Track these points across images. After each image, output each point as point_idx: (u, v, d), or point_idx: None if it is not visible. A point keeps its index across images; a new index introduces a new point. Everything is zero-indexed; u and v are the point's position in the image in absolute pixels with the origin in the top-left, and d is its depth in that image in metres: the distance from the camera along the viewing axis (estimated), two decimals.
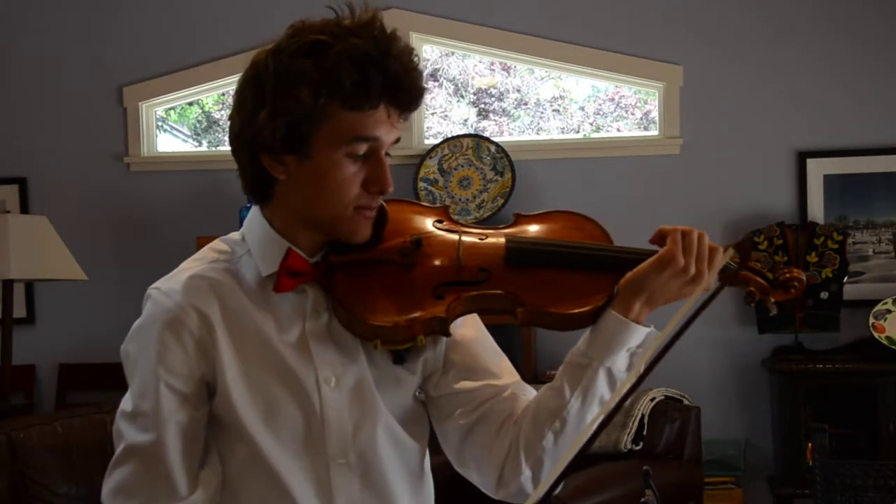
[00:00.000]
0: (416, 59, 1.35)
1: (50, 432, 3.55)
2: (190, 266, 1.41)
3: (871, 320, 4.33)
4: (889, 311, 4.35)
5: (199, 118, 5.40)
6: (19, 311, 4.77)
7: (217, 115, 5.36)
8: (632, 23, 4.74)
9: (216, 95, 5.27)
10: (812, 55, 4.63)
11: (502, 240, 1.40)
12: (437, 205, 1.52)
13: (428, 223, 1.45)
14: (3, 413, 3.88)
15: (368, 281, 1.36)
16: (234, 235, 1.45)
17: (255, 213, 1.43)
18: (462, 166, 4.65)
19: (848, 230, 4.49)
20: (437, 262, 1.38)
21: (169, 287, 1.39)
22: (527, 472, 1.38)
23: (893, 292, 4.42)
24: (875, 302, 4.37)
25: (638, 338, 1.34)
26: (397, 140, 1.37)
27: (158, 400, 1.33)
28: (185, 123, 5.43)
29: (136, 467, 1.33)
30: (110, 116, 5.01)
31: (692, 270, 1.33)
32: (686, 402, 4.20)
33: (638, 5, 4.75)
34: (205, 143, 5.33)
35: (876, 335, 4.30)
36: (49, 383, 4.98)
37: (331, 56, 1.28)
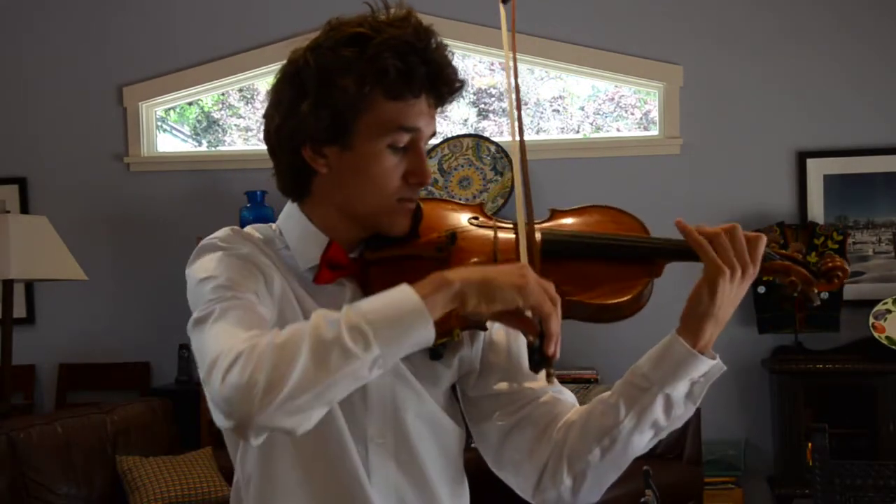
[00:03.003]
0: (450, 54, 1.35)
1: (50, 432, 3.56)
2: (243, 231, 1.39)
3: (871, 320, 4.33)
4: (889, 311, 4.36)
5: (199, 118, 5.40)
6: (19, 311, 4.78)
7: (217, 115, 5.36)
8: (632, 23, 4.74)
9: (216, 95, 5.28)
10: (812, 55, 4.64)
11: (538, 233, 1.39)
12: (473, 202, 1.51)
13: (463, 219, 1.44)
14: (3, 413, 3.88)
15: (404, 276, 1.31)
16: (273, 227, 1.43)
17: (292, 209, 1.42)
18: (462, 166, 4.65)
19: (848, 230, 4.50)
20: (472, 256, 1.37)
21: (229, 236, 1.35)
22: (567, 482, 1.37)
23: (893, 292, 4.42)
24: (875, 302, 4.37)
25: (703, 369, 1.32)
26: (434, 134, 1.37)
27: (244, 286, 1.26)
28: (186, 123, 5.43)
29: (237, 317, 1.22)
30: (110, 116, 5.01)
31: (739, 273, 1.30)
32: None
33: (638, 5, 4.75)
34: (205, 143, 5.33)
35: (876, 335, 4.30)
36: (49, 383, 4.99)
37: (374, 45, 1.28)
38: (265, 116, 1.38)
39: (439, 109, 1.37)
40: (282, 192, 1.41)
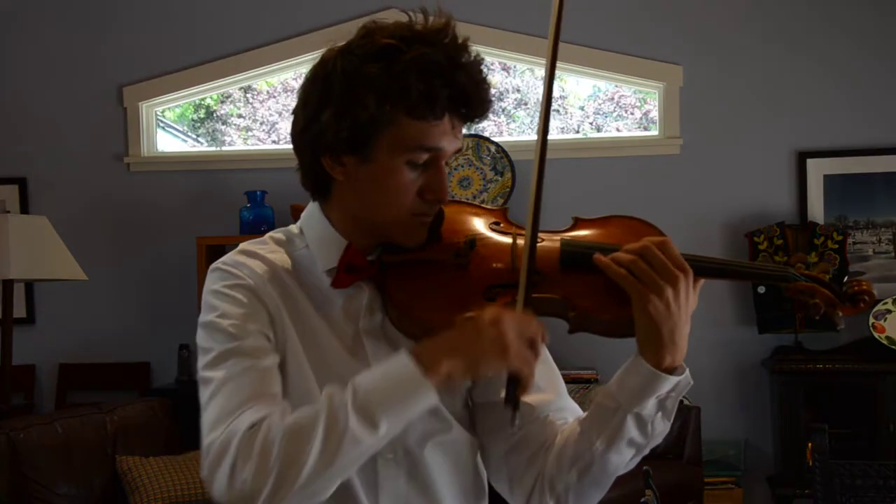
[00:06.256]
0: (484, 70, 1.33)
1: (50, 432, 3.56)
2: (253, 248, 1.40)
3: (871, 320, 4.33)
4: (889, 311, 4.36)
5: (198, 111, 5.40)
6: (19, 311, 4.77)
7: (218, 114, 5.36)
8: (632, 23, 4.74)
9: (216, 95, 5.28)
10: (812, 56, 4.64)
11: (558, 243, 1.37)
12: (496, 207, 1.50)
13: (484, 225, 1.43)
14: (3, 413, 3.88)
15: (420, 280, 1.35)
16: (293, 228, 1.44)
17: (314, 208, 1.42)
18: (462, 166, 4.65)
19: (848, 230, 4.49)
20: (489, 264, 1.36)
21: (236, 261, 1.36)
22: (551, 503, 1.38)
23: (893, 292, 4.42)
24: (875, 302, 4.37)
25: (668, 386, 1.30)
26: (459, 150, 1.36)
27: (247, 339, 1.29)
28: (185, 123, 5.43)
29: (233, 389, 1.25)
30: (110, 116, 5.01)
31: (668, 291, 1.25)
32: (686, 402, 4.20)
33: (638, 5, 4.75)
34: (204, 141, 5.32)
35: (876, 335, 4.30)
36: (49, 383, 4.98)
37: (400, 63, 1.26)
38: (293, 113, 1.38)
39: (467, 125, 1.35)
40: (305, 189, 1.42)
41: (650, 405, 1.30)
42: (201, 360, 1.31)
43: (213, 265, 1.37)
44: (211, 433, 1.24)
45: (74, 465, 3.58)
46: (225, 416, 1.23)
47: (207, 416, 1.26)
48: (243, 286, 1.33)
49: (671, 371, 1.30)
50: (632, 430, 1.31)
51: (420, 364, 1.20)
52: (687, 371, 1.32)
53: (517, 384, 1.22)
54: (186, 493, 3.71)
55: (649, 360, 1.29)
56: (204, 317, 1.33)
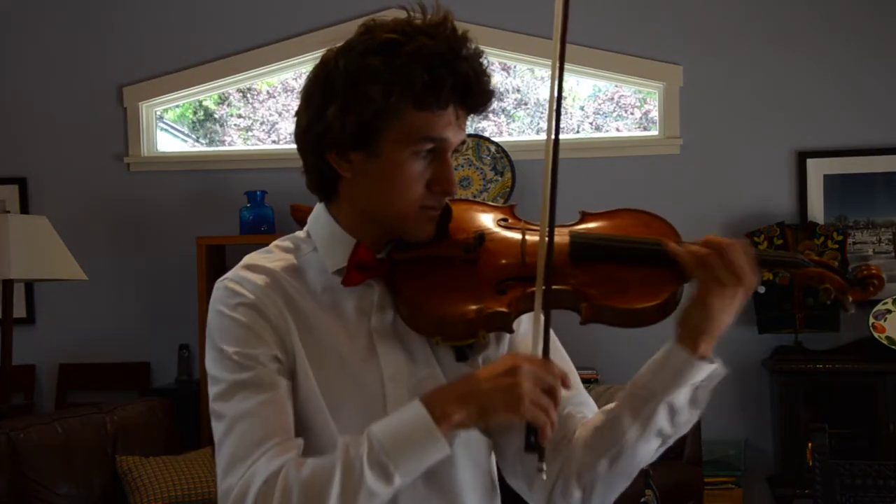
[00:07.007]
0: (485, 62, 1.35)
1: (50, 432, 3.56)
2: (257, 259, 1.40)
3: (871, 320, 4.33)
4: (889, 311, 4.36)
5: (197, 111, 5.40)
6: (19, 311, 4.77)
7: (218, 114, 5.36)
8: (632, 23, 4.74)
9: (215, 96, 5.28)
10: (812, 56, 4.64)
11: (567, 236, 1.39)
12: (504, 204, 1.51)
13: (492, 221, 1.44)
14: (3, 413, 3.88)
15: (430, 277, 1.35)
16: (300, 234, 1.45)
17: (320, 210, 1.43)
18: (462, 166, 4.65)
19: (848, 230, 4.49)
20: (499, 258, 1.37)
21: (240, 277, 1.37)
22: (577, 495, 1.37)
23: (893, 292, 4.42)
24: (875, 302, 4.37)
25: (703, 374, 1.32)
26: (463, 143, 1.37)
27: (256, 369, 1.30)
28: (185, 123, 5.43)
29: (246, 429, 1.27)
30: (110, 116, 5.01)
31: (739, 291, 1.31)
32: None
33: (638, 5, 4.75)
34: (203, 141, 5.32)
35: (876, 335, 4.30)
36: (49, 383, 4.98)
37: (402, 55, 1.27)
38: (296, 115, 1.39)
39: (470, 117, 1.36)
40: (310, 190, 1.42)
41: (683, 394, 1.32)
42: (211, 390, 1.32)
43: (219, 281, 1.38)
44: (227, 478, 1.25)
45: (74, 465, 3.58)
46: (240, 459, 1.24)
47: (222, 458, 1.27)
48: (246, 304, 1.33)
49: (703, 358, 1.32)
50: (662, 419, 1.32)
51: (432, 413, 1.21)
52: (719, 361, 1.34)
53: (536, 432, 1.22)
54: (186, 493, 3.71)
55: (685, 345, 1.32)
56: (210, 340, 1.35)
